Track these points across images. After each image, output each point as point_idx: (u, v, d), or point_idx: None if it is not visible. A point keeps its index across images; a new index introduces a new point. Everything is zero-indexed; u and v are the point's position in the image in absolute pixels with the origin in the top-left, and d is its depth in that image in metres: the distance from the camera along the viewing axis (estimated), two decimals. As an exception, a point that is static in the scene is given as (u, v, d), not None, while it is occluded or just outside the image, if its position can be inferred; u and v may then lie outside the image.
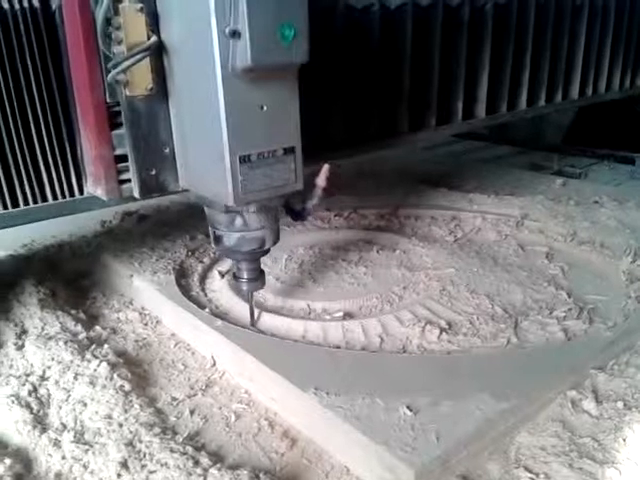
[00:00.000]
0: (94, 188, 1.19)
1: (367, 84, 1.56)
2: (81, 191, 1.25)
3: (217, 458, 0.96)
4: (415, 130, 1.71)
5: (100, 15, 1.00)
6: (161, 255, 1.62)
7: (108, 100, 1.08)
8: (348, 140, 1.58)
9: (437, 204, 2.00)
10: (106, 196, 1.16)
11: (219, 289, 1.47)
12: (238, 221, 1.13)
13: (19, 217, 1.22)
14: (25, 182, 1.20)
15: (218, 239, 1.18)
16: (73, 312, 1.41)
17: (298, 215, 1.26)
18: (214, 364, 1.23)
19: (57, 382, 1.15)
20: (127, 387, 1.12)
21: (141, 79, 1.04)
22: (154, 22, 1.02)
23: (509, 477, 0.91)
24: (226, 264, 1.56)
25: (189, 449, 0.96)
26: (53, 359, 1.20)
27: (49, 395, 1.12)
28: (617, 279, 1.45)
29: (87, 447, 0.98)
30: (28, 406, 1.08)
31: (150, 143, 1.11)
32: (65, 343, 1.24)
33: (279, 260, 1.61)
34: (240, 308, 1.35)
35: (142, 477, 0.91)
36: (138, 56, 1.01)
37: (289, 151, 1.07)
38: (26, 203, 1.21)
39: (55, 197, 1.23)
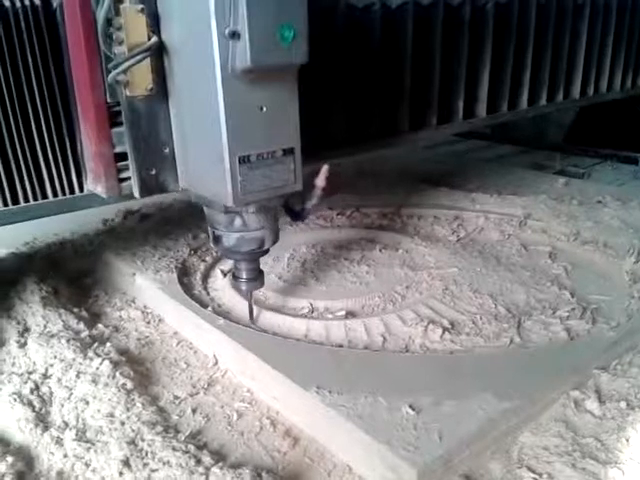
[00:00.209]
0: (94, 185, 1.19)
1: (368, 83, 1.56)
2: (81, 189, 1.25)
3: (219, 457, 0.96)
4: (416, 129, 1.70)
5: (101, 16, 1.00)
6: (163, 254, 1.62)
7: (109, 100, 1.08)
8: (349, 139, 1.58)
9: (440, 203, 1.99)
10: (106, 194, 1.16)
11: (221, 288, 1.47)
12: (237, 221, 1.14)
13: (19, 214, 1.22)
14: (25, 179, 1.20)
15: (217, 239, 1.18)
16: (75, 310, 1.41)
17: (297, 215, 1.26)
18: (216, 363, 1.23)
19: (59, 380, 1.15)
20: (129, 385, 1.12)
21: (141, 79, 1.05)
22: (155, 23, 1.03)
23: (511, 477, 0.91)
24: (228, 263, 1.56)
25: (191, 448, 0.96)
26: (55, 357, 1.20)
27: (51, 393, 1.12)
28: (620, 279, 1.45)
29: (89, 445, 0.98)
30: (30, 404, 1.08)
31: (150, 143, 1.11)
32: (67, 341, 1.24)
33: (281, 259, 1.61)
34: (242, 307, 1.35)
35: (144, 475, 0.91)
36: (138, 57, 1.01)
37: (288, 152, 1.08)
38: (26, 200, 1.21)
39: (55, 194, 1.23)
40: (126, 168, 1.14)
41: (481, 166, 2.59)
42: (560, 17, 1.95)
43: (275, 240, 1.20)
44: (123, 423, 1.03)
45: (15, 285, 1.49)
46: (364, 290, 1.44)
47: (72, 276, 1.61)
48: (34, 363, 1.21)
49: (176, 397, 1.13)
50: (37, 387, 1.13)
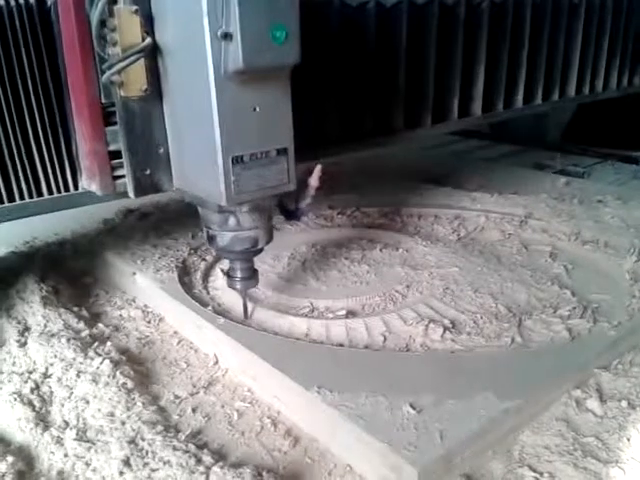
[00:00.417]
0: (88, 183, 1.20)
1: (362, 81, 1.56)
2: (76, 187, 1.25)
3: (219, 456, 0.96)
4: (411, 128, 1.70)
5: (95, 17, 1.00)
6: (164, 253, 1.61)
7: (103, 101, 1.09)
8: (343, 137, 1.58)
9: (440, 203, 1.99)
10: (100, 191, 1.16)
11: (222, 287, 1.47)
12: (231, 221, 1.14)
13: (14, 211, 1.22)
14: (21, 177, 1.20)
15: (212, 238, 1.19)
16: (76, 309, 1.41)
17: (292, 215, 1.27)
18: (217, 362, 1.23)
19: (59, 380, 1.15)
20: (130, 385, 1.12)
21: (136, 80, 1.05)
22: (149, 24, 1.03)
23: (513, 476, 0.91)
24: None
25: (191, 447, 0.95)
26: (56, 356, 1.20)
27: (51, 393, 1.12)
28: (621, 278, 1.45)
29: (89, 445, 0.98)
30: (30, 404, 1.08)
31: (144, 143, 1.11)
32: (68, 340, 1.24)
33: (282, 258, 1.61)
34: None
35: (144, 475, 0.91)
36: (133, 57, 1.01)
37: (282, 152, 1.08)
38: (22, 198, 1.21)
39: (50, 192, 1.23)
40: (120, 166, 1.14)
41: (482, 165, 2.60)
42: (555, 16, 1.95)
43: (269, 239, 1.21)
44: (123, 422, 1.02)
45: (15, 284, 1.49)
46: (365, 289, 1.44)
47: (72, 275, 1.61)
48: (34, 362, 1.21)
49: (176, 396, 1.13)
50: (37, 386, 1.13)
